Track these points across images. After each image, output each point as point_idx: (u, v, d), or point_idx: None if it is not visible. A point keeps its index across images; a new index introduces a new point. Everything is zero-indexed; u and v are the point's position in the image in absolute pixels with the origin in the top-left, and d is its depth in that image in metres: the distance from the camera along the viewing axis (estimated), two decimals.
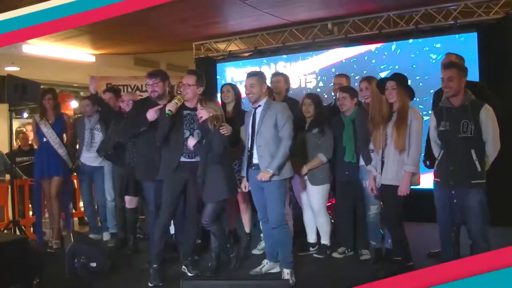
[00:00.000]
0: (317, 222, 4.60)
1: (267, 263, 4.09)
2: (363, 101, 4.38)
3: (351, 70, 6.34)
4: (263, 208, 3.97)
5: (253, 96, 3.95)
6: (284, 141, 3.80)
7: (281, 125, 3.80)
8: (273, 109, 3.86)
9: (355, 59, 6.79)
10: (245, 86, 4.01)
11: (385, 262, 4.10)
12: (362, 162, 4.26)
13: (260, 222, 4.22)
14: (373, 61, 6.62)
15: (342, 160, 4.47)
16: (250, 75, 4.02)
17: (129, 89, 7.76)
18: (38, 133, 5.31)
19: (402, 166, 3.66)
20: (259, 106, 3.93)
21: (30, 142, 7.29)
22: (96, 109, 5.49)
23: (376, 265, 4.22)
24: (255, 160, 3.91)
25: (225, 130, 3.88)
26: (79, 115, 5.73)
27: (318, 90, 6.89)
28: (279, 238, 3.89)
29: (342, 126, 4.49)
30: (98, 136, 5.40)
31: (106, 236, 5.52)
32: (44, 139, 5.25)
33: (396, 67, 6.21)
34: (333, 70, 6.87)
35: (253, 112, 3.98)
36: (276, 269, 4.02)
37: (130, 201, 5.00)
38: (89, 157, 5.43)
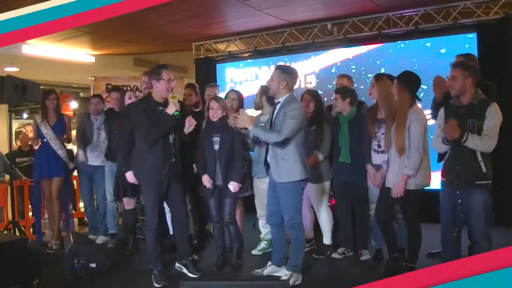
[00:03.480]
0: (318, 220, 4.61)
1: (269, 266, 4.06)
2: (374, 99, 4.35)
3: (350, 71, 6.35)
4: (273, 209, 3.93)
5: (271, 91, 3.92)
6: (275, 133, 3.68)
7: (284, 121, 3.70)
8: (286, 107, 3.74)
9: (354, 59, 6.79)
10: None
11: (388, 263, 4.11)
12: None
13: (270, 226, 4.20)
14: (372, 61, 6.63)
15: (338, 161, 4.49)
16: (275, 68, 3.95)
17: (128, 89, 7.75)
18: (39, 134, 5.31)
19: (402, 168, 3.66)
20: (279, 102, 3.84)
21: (29, 143, 7.28)
22: (103, 109, 5.52)
23: (375, 265, 4.22)
24: (268, 159, 3.87)
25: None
26: (85, 112, 5.69)
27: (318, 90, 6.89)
28: (291, 238, 3.88)
29: (339, 126, 4.50)
30: (102, 136, 5.39)
31: (100, 240, 5.48)
32: (45, 140, 5.25)
33: (388, 67, 6.21)
34: (333, 70, 6.89)
35: (273, 108, 3.93)
36: (279, 273, 3.96)
37: (128, 202, 4.99)
38: (90, 156, 5.42)
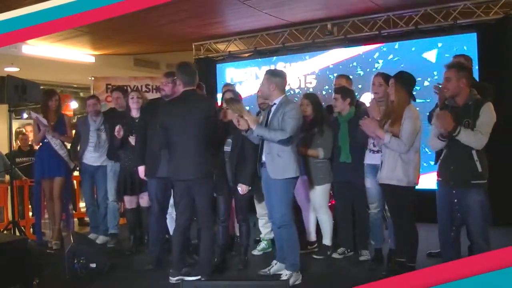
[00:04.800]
0: (318, 221, 4.62)
1: (276, 264, 4.07)
2: (372, 97, 4.33)
3: (350, 71, 6.35)
4: (271, 207, 3.95)
5: (263, 95, 4.05)
6: (280, 131, 3.72)
7: (284, 121, 3.75)
8: (282, 109, 3.80)
9: (355, 59, 6.79)
10: None
11: (388, 263, 4.11)
12: (366, 161, 4.25)
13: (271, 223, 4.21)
14: (372, 61, 6.63)
15: (338, 160, 4.49)
16: (264, 73, 4.01)
17: (129, 90, 7.74)
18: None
19: (396, 165, 3.67)
20: (275, 104, 3.89)
21: (30, 143, 7.29)
22: (100, 109, 5.55)
23: (375, 265, 4.22)
24: (264, 158, 3.90)
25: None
26: (81, 115, 5.71)
27: (318, 90, 6.90)
28: (284, 238, 3.89)
29: (338, 126, 4.51)
30: (102, 137, 5.42)
31: (100, 240, 5.48)
32: (46, 140, 5.25)
33: (388, 67, 6.21)
34: (333, 70, 6.88)
35: (269, 109, 3.97)
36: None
37: (130, 201, 4.99)
38: (92, 157, 5.43)
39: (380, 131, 3.68)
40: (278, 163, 3.79)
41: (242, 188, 4.13)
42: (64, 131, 5.37)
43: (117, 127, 4.69)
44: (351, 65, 6.74)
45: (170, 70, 4.65)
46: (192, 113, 3.84)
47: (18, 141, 7.60)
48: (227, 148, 4.18)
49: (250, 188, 4.16)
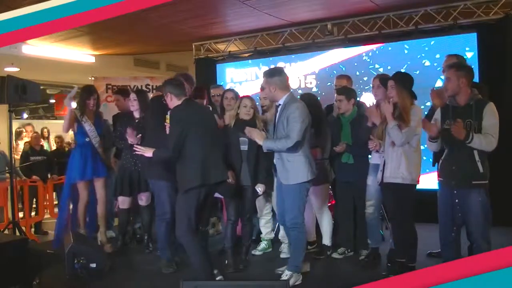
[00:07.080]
0: (318, 221, 4.62)
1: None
2: (374, 102, 4.35)
3: (350, 71, 6.34)
4: (282, 210, 3.93)
5: (268, 98, 4.04)
6: (284, 139, 3.67)
7: (288, 125, 3.70)
8: (287, 110, 3.73)
9: (354, 59, 6.79)
10: None
11: (388, 263, 4.11)
12: (373, 161, 4.26)
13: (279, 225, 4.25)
14: (371, 61, 6.63)
15: (340, 161, 4.49)
16: (263, 76, 3.91)
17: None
18: (79, 132, 4.96)
19: (400, 163, 3.67)
20: (280, 104, 3.81)
21: (41, 143, 7.30)
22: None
23: (368, 262, 4.24)
24: (275, 161, 3.87)
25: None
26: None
27: (317, 90, 6.90)
28: (292, 239, 3.89)
29: (340, 126, 4.50)
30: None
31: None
32: (87, 139, 4.94)
33: (389, 67, 6.21)
34: (333, 70, 6.88)
35: (275, 111, 3.92)
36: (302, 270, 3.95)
37: (123, 201, 4.92)
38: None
39: (390, 115, 3.67)
40: (288, 168, 3.75)
41: (262, 188, 4.13)
42: (101, 131, 5.07)
43: (128, 131, 4.53)
44: (351, 65, 6.74)
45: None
46: (205, 119, 3.79)
47: (30, 140, 7.60)
48: (243, 148, 4.13)
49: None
